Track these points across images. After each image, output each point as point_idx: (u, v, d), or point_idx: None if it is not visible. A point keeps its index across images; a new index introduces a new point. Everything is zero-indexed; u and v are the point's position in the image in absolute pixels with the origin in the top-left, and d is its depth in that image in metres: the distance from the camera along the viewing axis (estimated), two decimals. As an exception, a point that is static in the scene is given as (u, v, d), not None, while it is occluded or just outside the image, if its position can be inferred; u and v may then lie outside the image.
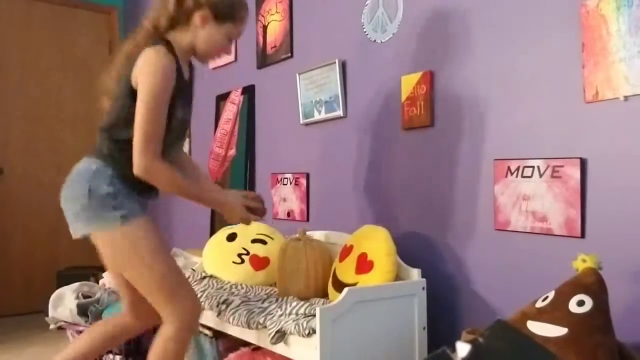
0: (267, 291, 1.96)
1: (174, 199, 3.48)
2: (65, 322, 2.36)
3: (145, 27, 1.54)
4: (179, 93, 1.50)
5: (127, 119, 1.45)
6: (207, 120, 3.13)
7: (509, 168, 1.61)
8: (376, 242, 1.70)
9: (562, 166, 1.48)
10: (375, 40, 2.08)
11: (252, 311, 1.68)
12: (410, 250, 1.89)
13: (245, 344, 1.84)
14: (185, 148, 3.33)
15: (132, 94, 1.45)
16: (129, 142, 1.44)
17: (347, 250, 1.80)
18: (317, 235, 2.08)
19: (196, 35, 1.54)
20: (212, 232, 2.89)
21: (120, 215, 1.46)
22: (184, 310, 1.47)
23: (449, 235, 1.80)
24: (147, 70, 1.42)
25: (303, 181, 2.41)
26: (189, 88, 1.60)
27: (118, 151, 1.49)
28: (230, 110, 2.86)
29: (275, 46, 2.60)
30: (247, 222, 1.63)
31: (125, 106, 1.47)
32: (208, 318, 1.89)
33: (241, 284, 2.05)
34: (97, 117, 4.15)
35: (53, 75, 3.96)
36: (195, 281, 2.08)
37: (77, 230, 1.51)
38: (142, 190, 1.52)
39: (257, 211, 1.64)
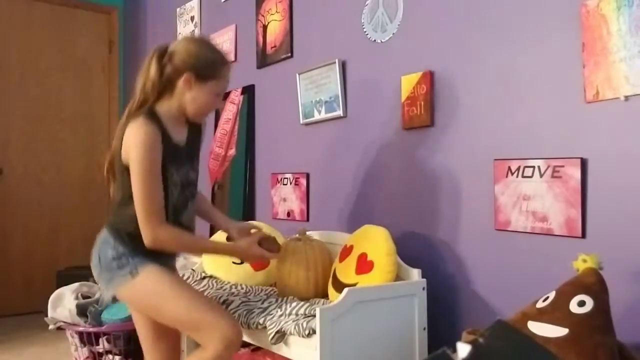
0: (267, 291, 1.96)
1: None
2: (64, 322, 2.36)
3: (137, 97, 1.57)
4: (170, 157, 1.53)
5: (127, 195, 1.52)
6: (207, 120, 3.13)
7: (509, 168, 1.61)
8: (376, 242, 1.70)
9: (562, 166, 1.47)
10: (375, 40, 2.08)
11: (251, 311, 1.67)
12: (411, 250, 1.89)
13: (245, 344, 1.83)
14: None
15: (127, 170, 1.51)
16: (132, 216, 1.51)
17: (347, 251, 1.79)
18: (317, 235, 2.08)
19: (182, 98, 1.57)
20: (212, 232, 2.89)
21: (128, 272, 1.53)
22: (220, 333, 1.47)
23: (449, 236, 1.80)
24: (132, 145, 1.47)
25: (303, 181, 2.41)
26: (183, 150, 1.61)
27: (119, 222, 1.57)
28: (230, 110, 2.86)
29: (275, 46, 2.60)
30: (266, 261, 1.69)
31: (122, 182, 1.54)
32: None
33: (241, 284, 2.05)
34: (97, 117, 4.15)
35: (53, 75, 3.96)
36: (195, 281, 2.08)
37: (105, 293, 1.65)
38: (149, 252, 1.54)
39: (272, 248, 1.69)
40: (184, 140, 1.62)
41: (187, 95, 1.56)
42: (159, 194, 1.49)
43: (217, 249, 1.74)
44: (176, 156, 1.56)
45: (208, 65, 1.55)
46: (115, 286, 1.55)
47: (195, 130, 1.69)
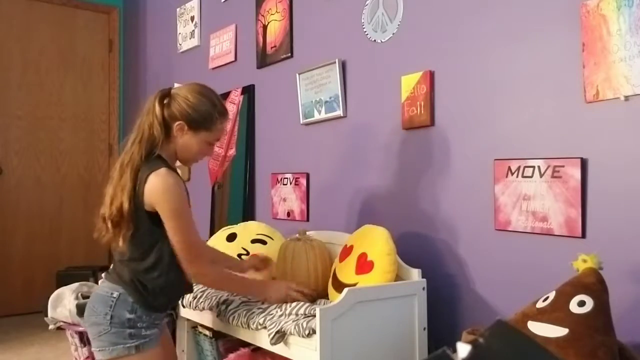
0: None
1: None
2: (64, 322, 2.36)
3: (143, 136, 1.56)
4: None
5: (144, 247, 1.51)
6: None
7: (509, 168, 1.61)
8: (376, 242, 1.70)
9: (562, 166, 1.47)
10: (375, 40, 2.07)
11: (252, 311, 1.67)
12: (411, 250, 1.88)
13: (245, 344, 1.83)
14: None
15: (149, 217, 1.50)
16: (148, 270, 1.51)
17: (347, 251, 1.79)
18: (317, 235, 2.08)
19: (177, 143, 1.60)
20: (212, 232, 2.89)
21: (135, 345, 1.50)
22: None
23: (449, 235, 1.79)
24: (162, 193, 1.48)
25: (303, 181, 2.41)
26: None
27: (138, 279, 1.52)
28: (230, 110, 2.86)
29: (275, 46, 2.60)
30: (292, 300, 1.69)
31: (141, 230, 1.51)
32: (208, 318, 1.89)
33: (241, 284, 2.05)
34: (97, 117, 4.14)
35: (53, 75, 3.96)
36: (195, 281, 2.08)
37: (96, 354, 1.54)
38: (164, 307, 1.60)
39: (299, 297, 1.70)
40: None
41: (180, 141, 1.59)
42: (197, 233, 1.57)
43: (247, 287, 1.74)
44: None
45: (201, 116, 1.58)
46: (114, 354, 1.49)
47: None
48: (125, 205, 1.47)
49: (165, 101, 1.58)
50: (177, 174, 1.58)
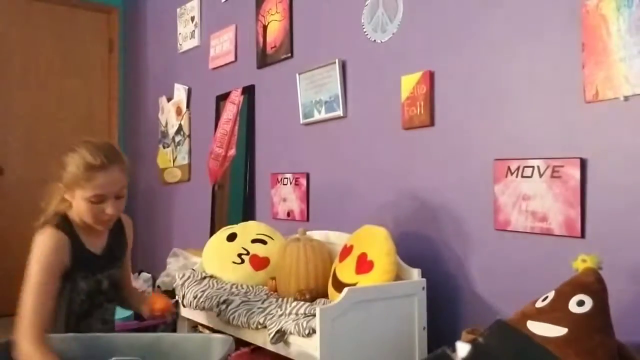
0: (267, 291, 1.96)
1: (175, 198, 3.48)
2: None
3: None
4: (79, 266, 1.49)
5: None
6: (207, 120, 3.13)
7: (509, 168, 1.61)
8: (376, 242, 1.70)
9: (562, 166, 1.48)
10: (375, 40, 2.08)
11: (252, 311, 1.68)
12: (410, 250, 1.89)
13: (245, 344, 1.83)
14: (185, 149, 3.33)
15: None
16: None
17: (347, 250, 1.79)
18: (317, 235, 2.08)
19: (73, 207, 1.50)
20: (212, 232, 2.89)
21: None
22: None
23: (449, 235, 1.80)
24: (33, 255, 1.44)
25: (303, 181, 2.41)
26: (99, 259, 1.55)
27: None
28: (230, 110, 2.86)
29: (275, 46, 2.60)
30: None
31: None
32: (208, 318, 1.89)
33: (241, 284, 2.05)
34: (97, 117, 4.15)
35: (53, 75, 3.96)
36: (195, 281, 2.08)
37: None
38: None
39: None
40: (102, 248, 1.56)
41: (73, 205, 1.50)
42: (47, 310, 1.45)
43: None
44: (88, 265, 1.52)
45: (71, 177, 1.46)
46: None
47: (117, 235, 1.62)
48: None
49: None
50: (74, 233, 1.48)
